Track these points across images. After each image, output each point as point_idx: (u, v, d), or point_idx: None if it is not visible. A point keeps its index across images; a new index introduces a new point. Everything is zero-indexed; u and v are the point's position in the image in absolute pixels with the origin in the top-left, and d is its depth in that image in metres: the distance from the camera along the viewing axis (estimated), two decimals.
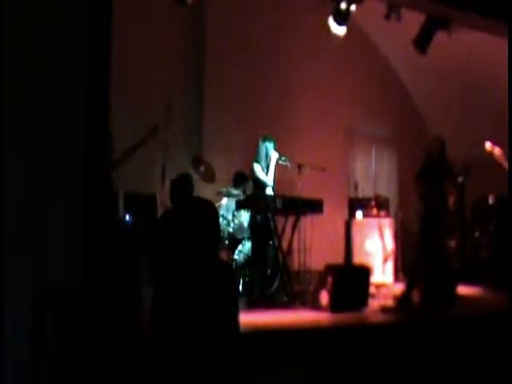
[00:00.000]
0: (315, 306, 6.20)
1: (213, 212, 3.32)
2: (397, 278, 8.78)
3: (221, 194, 7.57)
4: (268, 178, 7.27)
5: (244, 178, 7.61)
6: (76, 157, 3.72)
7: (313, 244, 7.36)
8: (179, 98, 8.31)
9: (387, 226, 8.95)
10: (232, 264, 6.97)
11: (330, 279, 6.09)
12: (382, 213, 9.13)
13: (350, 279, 6.39)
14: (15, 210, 3.46)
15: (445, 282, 6.69)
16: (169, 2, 7.05)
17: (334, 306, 6.02)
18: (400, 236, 9.22)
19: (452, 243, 9.74)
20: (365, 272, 6.57)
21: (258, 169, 7.19)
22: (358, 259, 8.71)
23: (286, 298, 6.71)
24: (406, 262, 8.91)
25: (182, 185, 5.67)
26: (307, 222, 7.26)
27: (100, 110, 3.84)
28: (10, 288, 3.45)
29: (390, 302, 6.75)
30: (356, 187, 9.87)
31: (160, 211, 6.92)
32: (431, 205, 6.76)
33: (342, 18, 7.72)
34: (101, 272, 3.64)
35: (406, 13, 7.79)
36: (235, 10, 8.74)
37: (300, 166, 7.22)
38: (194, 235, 3.18)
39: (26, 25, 3.60)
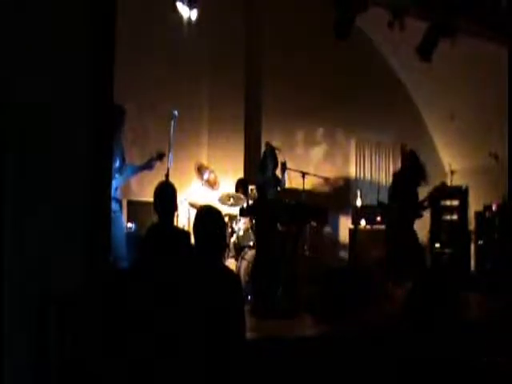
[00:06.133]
0: (318, 311, 6.18)
1: (217, 219, 3.35)
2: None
3: (224, 201, 7.58)
4: (272, 186, 7.26)
5: (246, 185, 7.60)
6: (80, 161, 3.75)
7: (317, 251, 7.36)
8: (182, 103, 8.33)
9: None
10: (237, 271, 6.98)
11: (332, 283, 6.09)
12: None
13: (352, 283, 6.38)
14: (17, 212, 3.49)
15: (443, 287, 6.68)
16: (169, 2, 7.08)
17: (336, 311, 6.01)
18: None
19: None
20: (367, 276, 6.56)
21: (262, 176, 7.18)
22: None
23: (289, 305, 6.70)
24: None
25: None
26: (311, 229, 7.26)
27: (104, 113, 3.87)
28: (13, 291, 3.47)
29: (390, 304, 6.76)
30: (360, 195, 9.88)
31: None
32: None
33: (344, 27, 7.69)
34: (103, 275, 3.66)
35: (409, 21, 7.80)
36: (236, 11, 8.76)
37: (304, 174, 7.23)
38: (198, 240, 3.21)
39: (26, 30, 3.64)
